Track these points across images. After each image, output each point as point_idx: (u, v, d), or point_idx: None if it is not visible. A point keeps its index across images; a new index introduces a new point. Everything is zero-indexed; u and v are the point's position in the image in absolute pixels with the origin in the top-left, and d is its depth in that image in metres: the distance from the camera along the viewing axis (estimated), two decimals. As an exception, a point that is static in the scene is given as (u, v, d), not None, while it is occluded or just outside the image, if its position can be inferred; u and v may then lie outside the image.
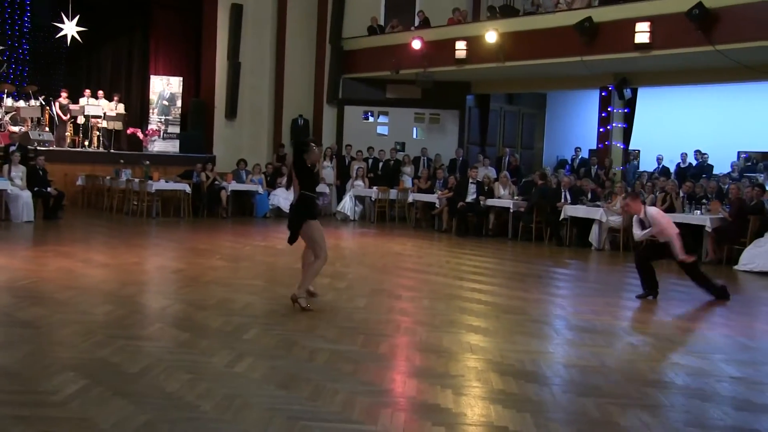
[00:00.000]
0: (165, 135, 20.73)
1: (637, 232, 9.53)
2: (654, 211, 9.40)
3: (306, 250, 8.06)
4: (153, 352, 5.96)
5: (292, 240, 7.87)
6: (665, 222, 9.31)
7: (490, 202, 16.71)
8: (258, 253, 12.67)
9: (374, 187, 19.10)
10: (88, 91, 20.05)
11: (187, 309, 7.64)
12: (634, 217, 9.54)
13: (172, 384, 5.16)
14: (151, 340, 6.38)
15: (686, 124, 20.37)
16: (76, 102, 19.96)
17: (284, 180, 18.89)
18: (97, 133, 19.89)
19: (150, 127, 20.62)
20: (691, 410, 5.20)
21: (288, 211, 8.61)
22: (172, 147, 20.62)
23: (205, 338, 6.47)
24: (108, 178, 18.37)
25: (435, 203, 17.62)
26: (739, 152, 19.70)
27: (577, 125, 22.49)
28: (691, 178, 16.12)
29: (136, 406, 4.68)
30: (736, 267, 12.67)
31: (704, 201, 14.29)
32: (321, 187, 17.54)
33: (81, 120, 19.75)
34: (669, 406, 5.29)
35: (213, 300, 8.16)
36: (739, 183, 15.11)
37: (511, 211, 16.24)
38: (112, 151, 19.54)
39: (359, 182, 19.35)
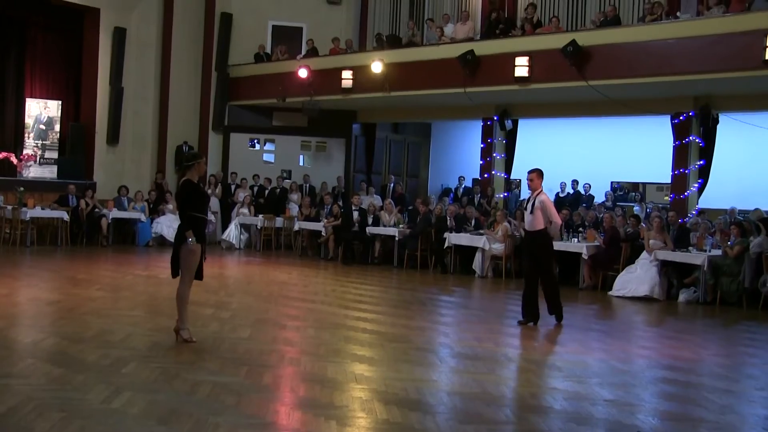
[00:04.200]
0: (42, 160, 19.86)
1: (528, 218, 9.69)
2: (546, 197, 9.66)
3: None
4: (22, 390, 5.66)
5: (175, 273, 7.63)
6: (554, 209, 9.71)
7: (376, 230, 16.83)
8: (139, 283, 12.30)
9: (260, 215, 18.91)
10: (-46, 112, 19.05)
11: (61, 342, 7.32)
12: (527, 205, 9.77)
13: (42, 424, 4.89)
14: (20, 378, 6.05)
15: (564, 155, 21.09)
16: (-59, 123, 18.92)
17: (168, 206, 18.49)
18: (-36, 156, 18.90)
19: (25, 151, 19.71)
20: (568, 434, 5.34)
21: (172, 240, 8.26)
22: (50, 173, 19.78)
23: (81, 373, 6.20)
24: (-23, 205, 17.48)
25: (321, 231, 17.59)
26: (612, 182, 20.57)
27: (461, 154, 22.94)
28: (568, 207, 16.68)
29: (1, 449, 4.42)
30: (610, 292, 13.18)
31: (581, 229, 14.83)
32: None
33: (-53, 142, 18.74)
34: (547, 431, 5.42)
35: (90, 332, 7.86)
36: (612, 212, 15.75)
37: (397, 239, 16.39)
38: (-19, 176, 18.61)
39: (245, 210, 19.12)
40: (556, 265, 14.19)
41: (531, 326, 9.52)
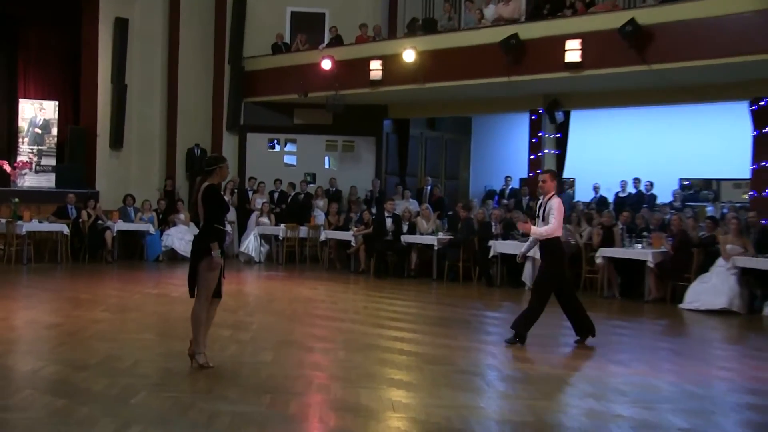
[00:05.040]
0: (38, 168, 20.12)
1: (541, 225, 9.38)
2: (558, 202, 9.34)
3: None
4: (20, 424, 5.71)
5: (193, 292, 7.64)
6: (560, 218, 9.29)
7: (411, 239, 16.80)
8: (149, 303, 12.39)
9: (281, 225, 18.98)
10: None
11: (64, 371, 7.38)
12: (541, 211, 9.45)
13: (44, 461, 4.94)
14: (18, 410, 6.10)
15: (624, 149, 20.92)
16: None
17: (180, 216, 18.62)
18: (-47, 166, 19.20)
19: (19, 158, 19.99)
20: (637, 467, 5.26)
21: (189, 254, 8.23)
22: (47, 182, 20.03)
23: (86, 404, 6.25)
24: (-31, 219, 17.75)
25: (350, 241, 17.61)
26: (680, 179, 20.35)
27: (506, 152, 22.88)
28: (630, 208, 16.53)
29: (-1, 490, 4.46)
30: (681, 305, 13.00)
31: (645, 233, 14.66)
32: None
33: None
34: (613, 464, 5.35)
35: (95, 359, 7.91)
36: (681, 213, 15.56)
37: (436, 248, 16.35)
38: (-27, 187, 18.90)
39: (264, 219, 19.20)
40: (618, 278, 14.10)
41: (588, 345, 9.41)
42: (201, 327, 7.59)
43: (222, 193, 8.02)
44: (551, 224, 9.21)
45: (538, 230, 9.32)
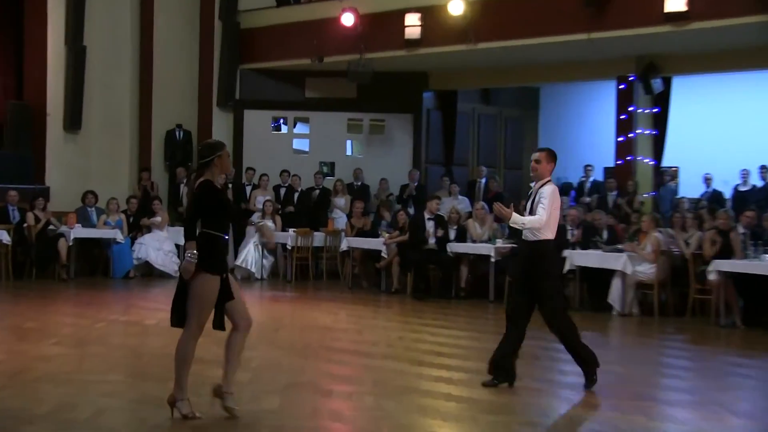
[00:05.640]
0: (-30, 157, 20.34)
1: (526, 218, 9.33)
2: (551, 189, 9.31)
3: (232, 333, 7.80)
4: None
5: (178, 320, 7.63)
6: (552, 210, 9.19)
7: (461, 248, 16.75)
8: (116, 333, 12.47)
9: (290, 230, 18.99)
10: None
11: (2, 423, 7.39)
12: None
13: None
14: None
15: (745, 129, 20.71)
16: None
17: (156, 220, 18.67)
18: None
19: (-54, 146, 20.22)
20: None
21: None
22: (-19, 175, 20.22)
23: (31, 466, 6.27)
24: None
25: (380, 252, 17.59)
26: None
27: (585, 133, 22.77)
28: (756, 207, 16.33)
29: None
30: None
31: (776, 240, 14.51)
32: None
33: None
34: None
35: (44, 407, 7.93)
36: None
37: (493, 260, 16.27)
38: None
39: (268, 222, 19.21)
40: (740, 299, 13.93)
41: (507, 387, 9.29)
42: (186, 366, 7.55)
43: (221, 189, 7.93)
44: (539, 214, 9.12)
45: (520, 218, 9.22)
